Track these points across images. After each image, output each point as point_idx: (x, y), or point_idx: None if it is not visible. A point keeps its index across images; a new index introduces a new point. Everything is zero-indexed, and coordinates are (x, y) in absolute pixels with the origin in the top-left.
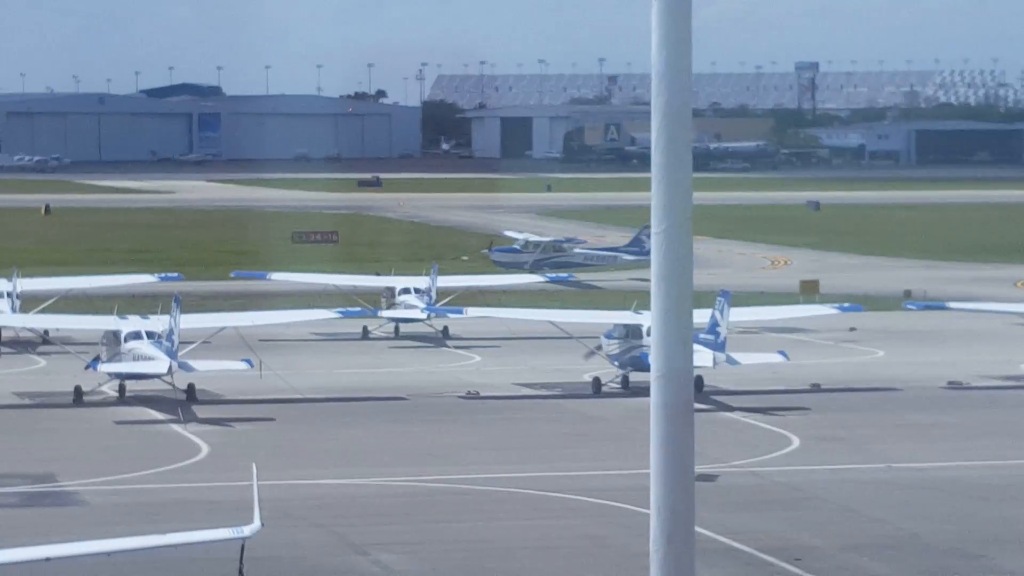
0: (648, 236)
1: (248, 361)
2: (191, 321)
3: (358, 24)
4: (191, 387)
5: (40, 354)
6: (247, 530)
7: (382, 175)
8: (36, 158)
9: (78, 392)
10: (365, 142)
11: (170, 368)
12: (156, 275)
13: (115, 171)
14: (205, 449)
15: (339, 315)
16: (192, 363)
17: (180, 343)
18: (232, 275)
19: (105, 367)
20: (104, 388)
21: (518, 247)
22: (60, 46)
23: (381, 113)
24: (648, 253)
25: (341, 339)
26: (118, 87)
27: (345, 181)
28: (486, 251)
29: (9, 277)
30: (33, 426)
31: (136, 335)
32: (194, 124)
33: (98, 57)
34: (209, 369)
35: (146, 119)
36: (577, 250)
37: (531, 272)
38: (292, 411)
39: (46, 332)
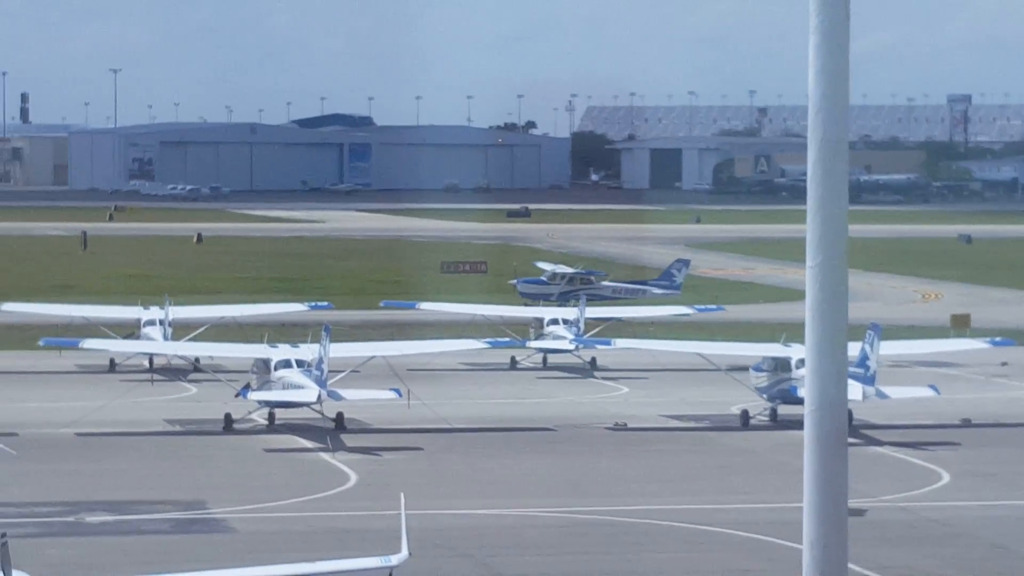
0: (678, 270)
1: (397, 390)
2: (341, 350)
3: (509, 56)
4: (340, 416)
5: (191, 382)
6: (395, 559)
7: (531, 206)
8: (189, 187)
9: (228, 420)
10: (514, 173)
11: (319, 397)
12: (306, 304)
13: (266, 200)
14: (354, 478)
15: (488, 345)
16: (341, 392)
17: (329, 372)
18: (381, 304)
19: (255, 395)
20: (254, 416)
21: (544, 279)
22: (213, 76)
23: (531, 144)
24: (679, 287)
25: (489, 369)
26: (270, 117)
27: (494, 211)
28: (512, 282)
29: (161, 305)
30: (183, 453)
31: (286, 363)
32: (345, 154)
33: (250, 87)
34: (358, 398)
35: (297, 149)
36: (605, 283)
37: (558, 304)
38: (440, 440)
39: (197, 360)
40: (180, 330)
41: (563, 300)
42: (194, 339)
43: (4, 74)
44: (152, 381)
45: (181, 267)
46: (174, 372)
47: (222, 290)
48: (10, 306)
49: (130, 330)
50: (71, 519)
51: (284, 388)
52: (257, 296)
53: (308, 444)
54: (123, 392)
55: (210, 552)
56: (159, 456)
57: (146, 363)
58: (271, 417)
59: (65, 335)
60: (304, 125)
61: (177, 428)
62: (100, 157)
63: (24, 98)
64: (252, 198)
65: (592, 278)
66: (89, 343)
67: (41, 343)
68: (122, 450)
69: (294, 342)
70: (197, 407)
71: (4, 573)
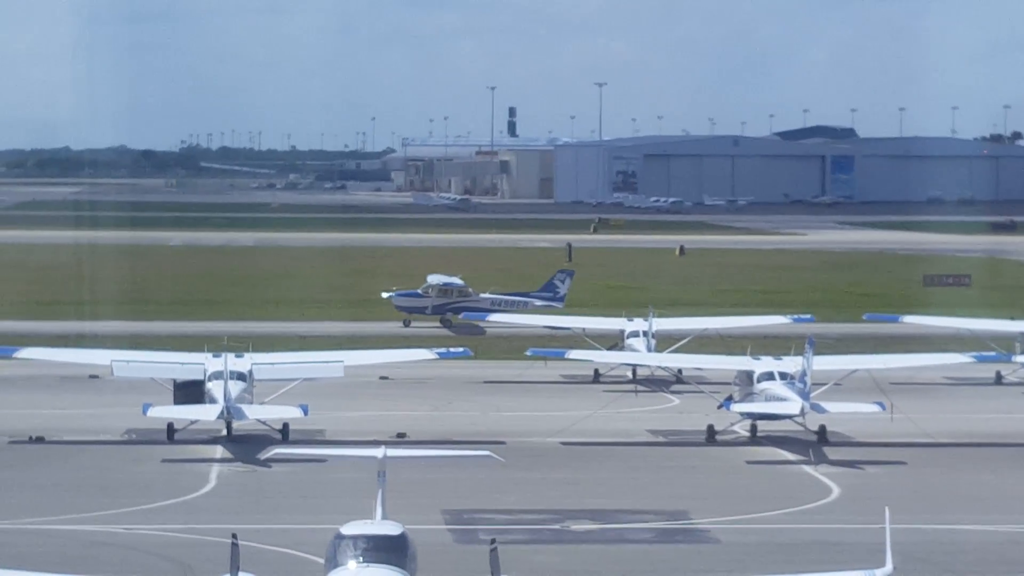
0: (562, 281)
1: (880, 404)
2: (823, 363)
3: (995, 66)
4: (822, 429)
5: (674, 393)
6: (879, 573)
7: (1016, 218)
8: (671, 199)
9: (711, 431)
10: (999, 185)
11: (802, 409)
12: (789, 316)
13: (748, 213)
14: (836, 491)
15: (974, 360)
16: (824, 405)
17: (812, 384)
18: (864, 317)
19: (737, 407)
20: (736, 428)
21: (420, 291)
22: (697, 89)
23: (1017, 155)
24: (562, 299)
25: (974, 383)
26: (752, 129)
27: (977, 224)
28: (386, 295)
29: (645, 316)
30: (667, 463)
31: (769, 376)
32: (827, 166)
33: (734, 99)
34: (841, 411)
35: (779, 161)
36: (484, 295)
37: (433, 315)
38: (924, 455)
39: (680, 371)
40: (663, 342)
41: (438, 312)
42: (677, 350)
43: (493, 89)
44: (636, 392)
45: (663, 279)
46: (657, 383)
47: (704, 302)
48: (497, 317)
49: (614, 341)
50: (557, 527)
51: (767, 400)
52: (739, 308)
53: (790, 456)
54: (607, 402)
55: (693, 562)
56: (643, 466)
57: (629, 374)
58: (753, 429)
59: (551, 346)
60: (786, 137)
61: (660, 439)
62: (584, 170)
63: (512, 112)
64: (734, 210)
65: (469, 290)
66: (574, 354)
67: (528, 353)
68: (606, 459)
69: (777, 355)
70: (680, 418)
71: None
